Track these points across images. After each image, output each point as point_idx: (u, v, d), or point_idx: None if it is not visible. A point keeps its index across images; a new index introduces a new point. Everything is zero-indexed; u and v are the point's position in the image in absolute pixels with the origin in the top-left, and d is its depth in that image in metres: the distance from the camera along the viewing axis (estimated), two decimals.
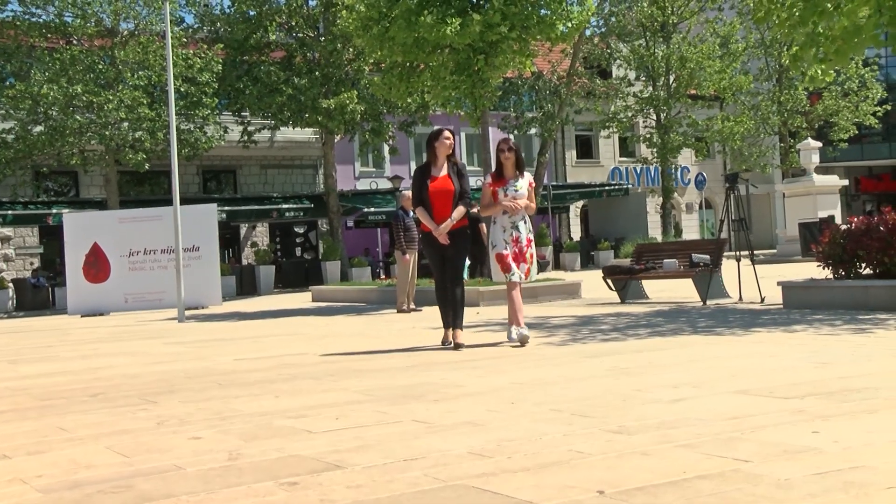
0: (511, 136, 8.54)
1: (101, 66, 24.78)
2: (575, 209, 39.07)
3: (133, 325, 14.47)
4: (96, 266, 18.81)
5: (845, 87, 36.32)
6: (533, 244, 7.50)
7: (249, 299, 22.74)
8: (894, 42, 8.52)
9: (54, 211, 26.27)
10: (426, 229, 7.33)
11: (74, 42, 25.16)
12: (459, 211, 7.21)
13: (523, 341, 7.12)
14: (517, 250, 7.30)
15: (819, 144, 28.96)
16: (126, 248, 18.85)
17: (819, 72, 9.38)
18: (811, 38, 8.61)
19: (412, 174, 7.64)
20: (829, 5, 8.31)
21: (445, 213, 7.19)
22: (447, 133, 7.38)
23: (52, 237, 26.48)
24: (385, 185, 32.70)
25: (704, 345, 6.75)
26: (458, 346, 7.13)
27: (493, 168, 7.67)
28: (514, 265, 7.25)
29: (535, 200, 7.54)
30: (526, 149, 36.06)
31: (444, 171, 7.29)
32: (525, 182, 7.40)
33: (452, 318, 7.24)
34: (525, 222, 7.39)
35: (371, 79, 20.04)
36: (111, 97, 23.94)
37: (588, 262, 32.51)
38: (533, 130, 32.94)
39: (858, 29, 8.12)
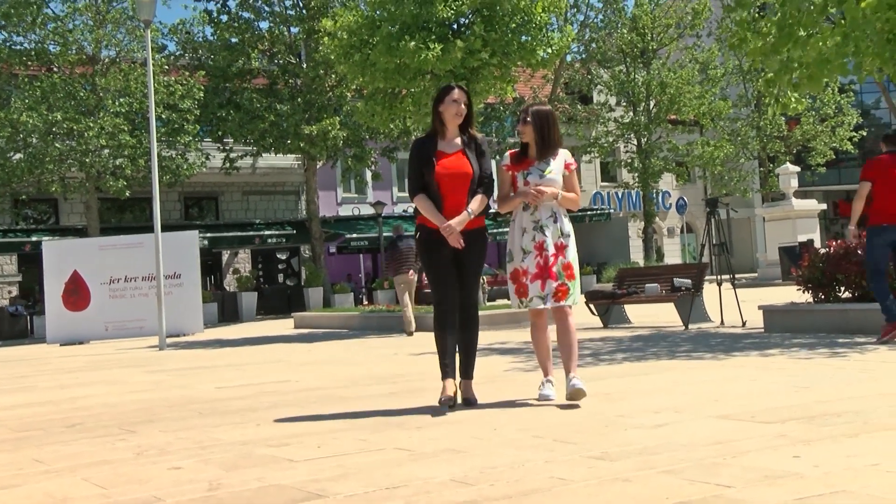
0: (541, 103, 5.47)
1: (81, 94, 24.73)
2: None
3: (113, 353, 14.34)
4: (76, 294, 18.67)
5: (822, 112, 36.82)
6: (571, 252, 5.18)
7: (231, 326, 22.61)
8: (859, 71, 8.67)
9: (33, 239, 26.09)
10: (428, 223, 5.18)
11: (55, 69, 25.12)
12: (480, 201, 5.19)
13: (545, 399, 5.11)
14: (541, 261, 5.10)
15: (797, 169, 29.28)
16: (106, 275, 18.73)
17: (792, 99, 9.51)
18: (785, 65, 8.74)
19: (409, 149, 5.54)
20: (802, 34, 8.45)
21: (460, 204, 5.11)
22: (458, 92, 5.22)
23: (31, 265, 26.27)
24: (368, 211, 32.71)
25: (686, 369, 6.76)
26: (468, 403, 5.16)
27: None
28: (534, 286, 5.11)
29: (577, 189, 5.32)
30: None
31: (456, 147, 5.23)
32: (559, 163, 5.22)
33: (462, 365, 5.24)
34: (556, 221, 5.17)
35: (353, 105, 20.13)
36: (92, 124, 23.88)
37: None
38: None
39: (828, 57, 8.26)
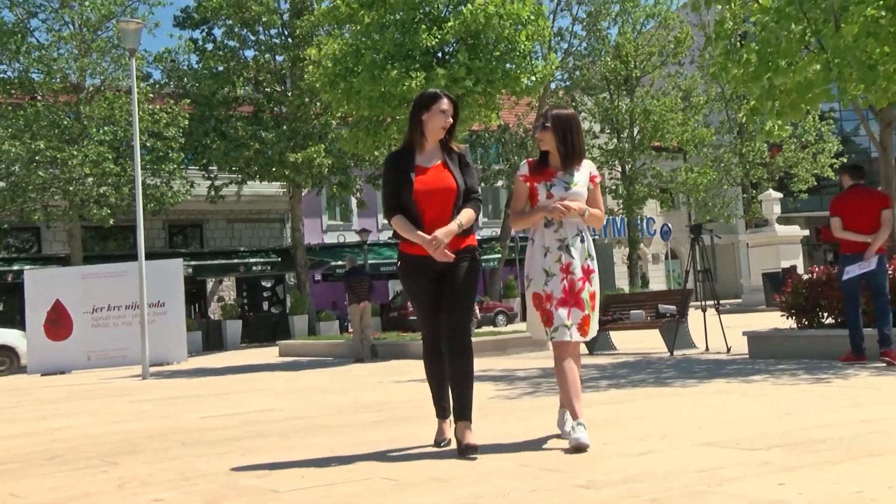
0: (561, 106, 4.79)
1: (65, 122, 24.72)
2: None
3: (95, 383, 14.20)
4: (58, 323, 18.50)
5: (803, 139, 37.23)
6: (597, 280, 4.62)
7: (216, 355, 22.46)
8: (844, 96, 8.81)
9: (15, 268, 25.89)
10: (409, 250, 4.59)
11: (39, 98, 25.09)
12: (468, 215, 4.54)
13: (579, 447, 4.28)
14: (567, 285, 4.46)
15: (780, 195, 29.53)
16: (89, 304, 18.58)
17: (776, 126, 9.63)
18: (766, 92, 8.86)
19: (383, 164, 4.90)
20: (781, 62, 8.57)
21: (442, 224, 4.51)
22: (447, 102, 4.58)
23: (13, 294, 26.06)
24: (353, 238, 32.70)
25: (671, 396, 6.76)
26: (467, 451, 4.32)
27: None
28: (560, 313, 4.43)
29: (601, 205, 4.70)
30: (493, 201, 36.39)
31: (436, 160, 4.60)
32: (583, 175, 4.59)
33: (456, 403, 4.51)
34: (583, 241, 4.57)
35: (338, 133, 20.18)
36: (76, 152, 23.84)
37: None
38: (500, 183, 33.25)
39: (810, 84, 8.38)
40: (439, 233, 4.43)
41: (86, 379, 15.46)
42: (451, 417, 4.58)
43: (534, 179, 4.60)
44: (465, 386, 4.51)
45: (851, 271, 8.27)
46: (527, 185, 4.61)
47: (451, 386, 4.55)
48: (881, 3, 8.45)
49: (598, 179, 4.68)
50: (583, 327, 4.49)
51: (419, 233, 4.47)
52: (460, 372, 4.51)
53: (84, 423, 7.56)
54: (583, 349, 12.57)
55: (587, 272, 4.53)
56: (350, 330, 16.71)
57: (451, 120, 4.58)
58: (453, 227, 4.48)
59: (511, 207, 4.71)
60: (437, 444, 4.70)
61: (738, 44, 10.27)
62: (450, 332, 4.52)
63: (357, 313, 15.12)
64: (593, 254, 4.62)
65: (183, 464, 4.80)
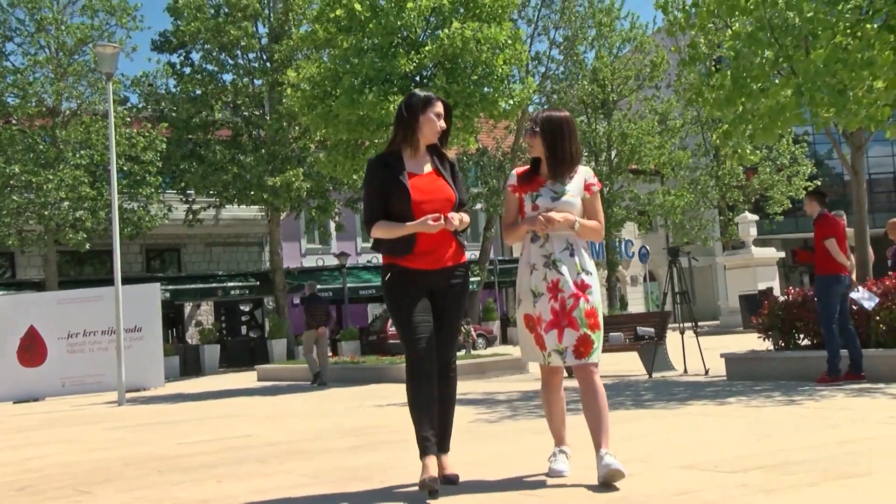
0: (555, 109, 4.33)
1: (41, 146, 24.53)
2: None
3: (70, 410, 14.01)
4: (31, 350, 18.24)
5: (778, 162, 37.65)
6: (595, 295, 4.14)
7: (193, 380, 22.25)
8: (816, 119, 8.95)
9: None
10: (399, 262, 4.13)
11: (14, 122, 24.92)
12: (464, 220, 4.18)
13: (610, 476, 3.93)
14: (556, 305, 4.07)
15: (756, 217, 29.80)
16: (64, 330, 18.36)
17: (748, 150, 9.76)
18: (739, 116, 8.98)
19: (366, 168, 4.31)
20: (755, 86, 8.69)
21: (439, 243, 4.14)
22: (441, 106, 4.23)
23: None
24: (332, 261, 32.62)
25: (650, 418, 6.77)
26: (448, 481, 4.10)
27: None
28: (548, 337, 4.07)
29: (600, 216, 4.27)
30: (472, 224, 36.43)
31: (427, 167, 4.24)
32: (577, 184, 4.21)
33: (438, 430, 4.11)
34: (574, 255, 4.13)
35: (317, 156, 20.18)
36: (51, 177, 23.65)
37: None
38: (478, 206, 33.34)
39: (783, 108, 8.51)
40: (456, 215, 4.09)
41: (60, 406, 15.25)
42: (437, 456, 4.10)
43: (522, 189, 4.25)
44: (449, 412, 4.22)
45: (863, 298, 8.40)
46: (516, 196, 4.27)
47: (439, 410, 4.13)
48: (849, 31, 8.62)
49: (595, 188, 4.25)
50: (578, 348, 4.03)
51: (410, 223, 4.04)
52: (448, 398, 4.21)
53: (57, 452, 7.45)
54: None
55: (581, 287, 4.08)
56: (334, 354, 16.81)
57: (444, 124, 4.23)
58: (458, 218, 4.09)
59: (502, 221, 4.33)
60: (423, 487, 3.89)
61: (714, 68, 10.42)
62: (442, 355, 4.14)
63: (313, 338, 15.68)
64: (589, 268, 4.15)
65: (159, 491, 4.74)
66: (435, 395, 4.07)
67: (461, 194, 4.26)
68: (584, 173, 4.25)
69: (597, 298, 4.13)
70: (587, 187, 4.23)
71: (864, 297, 8.46)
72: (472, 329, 27.87)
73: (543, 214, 4.08)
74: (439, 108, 4.22)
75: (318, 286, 31.15)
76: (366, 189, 4.24)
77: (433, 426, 4.06)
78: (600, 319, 4.12)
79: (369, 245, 4.40)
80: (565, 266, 4.10)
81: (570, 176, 4.21)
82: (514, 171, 4.35)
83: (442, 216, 4.02)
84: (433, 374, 4.07)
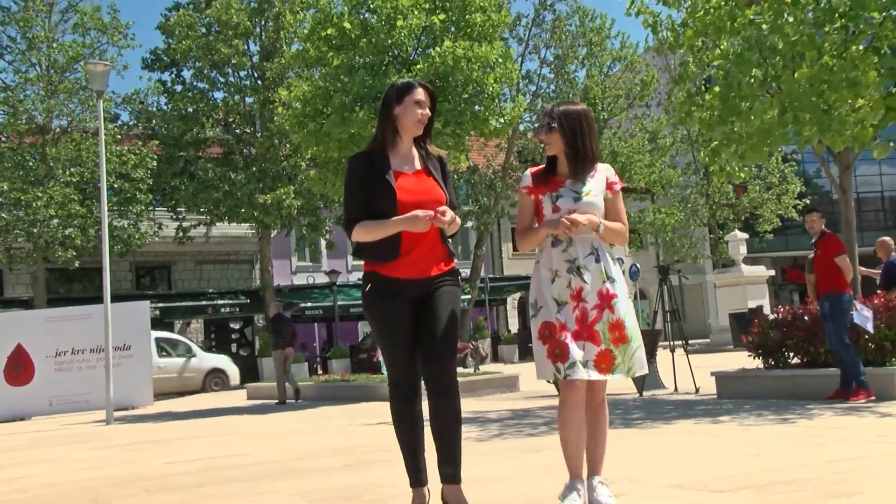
0: (571, 102, 3.96)
1: (31, 163, 24.45)
2: (512, 301, 39.35)
3: (57, 429, 13.91)
4: (18, 368, 18.10)
5: (767, 181, 37.87)
6: (622, 305, 3.78)
7: (182, 398, 22.12)
8: (799, 139, 9.02)
9: None
10: (381, 270, 3.80)
11: (3, 139, 24.85)
12: (455, 222, 3.85)
13: None
14: (579, 314, 3.72)
15: (746, 236, 29.92)
16: (52, 348, 18.23)
17: (736, 169, 9.82)
18: (728, 136, 9.04)
19: (347, 166, 3.94)
20: (744, 105, 8.76)
21: (426, 247, 3.81)
22: (422, 91, 3.87)
23: None
24: (322, 279, 32.56)
25: (640, 437, 6.76)
26: None
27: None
28: (574, 346, 3.67)
29: (624, 218, 3.98)
30: (462, 241, 36.51)
31: (415, 165, 3.88)
32: (598, 183, 3.89)
33: (443, 455, 3.77)
34: (599, 260, 3.79)
35: (307, 174, 20.18)
36: (41, 194, 23.57)
37: (526, 355, 32.57)
38: (469, 224, 33.37)
39: (770, 128, 8.58)
40: (435, 212, 3.68)
41: (46, 425, 15.14)
42: (427, 486, 3.82)
43: (538, 191, 3.87)
44: (453, 431, 3.77)
45: (866, 320, 8.41)
46: (531, 199, 3.90)
47: (438, 433, 3.76)
48: (833, 52, 8.71)
49: (618, 187, 3.92)
50: (599, 364, 3.67)
51: (396, 218, 3.67)
52: (449, 413, 3.74)
53: (43, 472, 7.39)
54: (551, 390, 12.62)
55: (606, 297, 3.72)
56: (324, 373, 16.92)
57: (428, 112, 3.86)
58: (450, 213, 3.75)
59: (516, 226, 3.97)
60: None
61: (703, 87, 10.50)
62: (435, 368, 3.72)
63: (281, 358, 15.92)
64: (614, 275, 3.78)
65: None
66: (433, 413, 3.74)
67: (452, 196, 3.91)
68: (605, 171, 3.93)
69: (625, 307, 3.76)
70: (609, 186, 3.90)
71: (865, 319, 8.44)
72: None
73: (566, 216, 3.73)
74: (419, 94, 3.83)
75: (308, 304, 31.22)
76: (346, 187, 3.85)
77: (421, 452, 3.78)
78: (628, 331, 3.74)
79: (354, 255, 4.04)
80: (589, 273, 3.73)
81: (590, 174, 3.87)
82: (528, 172, 3.98)
83: (432, 212, 3.66)
84: (419, 403, 3.79)
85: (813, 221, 8.81)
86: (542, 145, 4.00)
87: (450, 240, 3.94)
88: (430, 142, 3.97)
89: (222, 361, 24.81)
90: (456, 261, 4.02)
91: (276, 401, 15.87)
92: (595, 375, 3.67)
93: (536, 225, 3.88)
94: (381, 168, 3.76)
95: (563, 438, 3.75)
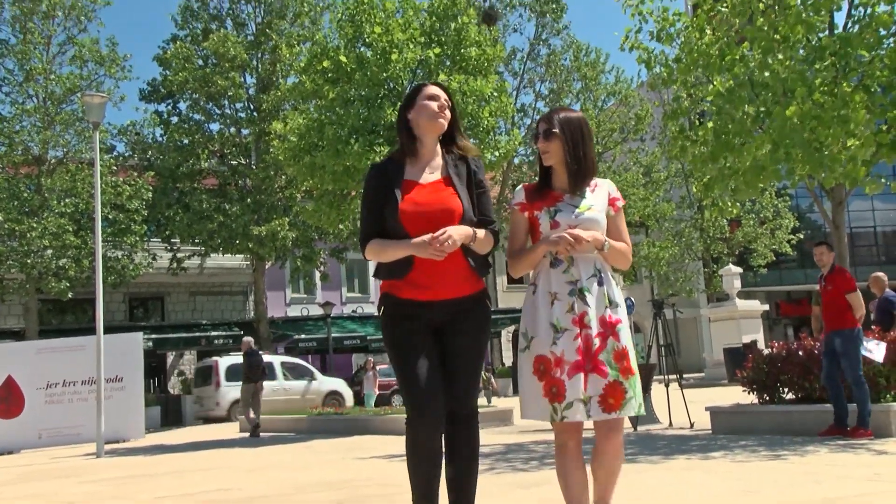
0: (568, 108, 3.63)
1: (25, 194, 24.45)
2: (506, 334, 39.28)
3: (46, 462, 13.76)
4: (8, 401, 17.94)
5: (761, 215, 38.04)
6: (625, 333, 3.41)
7: (174, 431, 21.94)
8: (791, 176, 9.08)
9: None
10: (398, 292, 3.47)
11: None
12: (486, 235, 3.51)
13: None
14: (582, 344, 3.30)
15: (740, 270, 29.97)
16: (43, 380, 18.10)
17: (728, 203, 9.88)
18: (721, 172, 9.10)
19: (364, 179, 3.66)
20: (736, 141, 8.83)
21: (444, 268, 3.38)
22: (434, 88, 3.58)
23: None
24: (316, 311, 32.49)
25: (633, 472, 6.71)
26: None
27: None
28: (572, 383, 3.26)
29: (626, 237, 3.57)
30: None
31: (435, 174, 3.52)
32: (600, 198, 3.53)
33: (456, 493, 3.46)
34: (602, 283, 3.41)
35: (303, 206, 20.22)
36: (35, 224, 23.55)
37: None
38: None
39: (762, 164, 8.64)
40: (450, 229, 3.27)
41: (35, 458, 14.98)
42: None
43: (534, 206, 3.48)
44: (471, 471, 3.44)
45: (876, 351, 8.38)
46: (524, 216, 3.50)
47: (455, 470, 3.43)
48: (824, 88, 8.80)
49: (620, 203, 3.55)
50: (606, 399, 3.26)
51: (411, 241, 3.30)
52: (468, 450, 3.44)
53: None
54: (546, 424, 12.51)
55: (609, 325, 3.33)
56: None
57: (444, 103, 3.51)
58: (468, 230, 3.35)
59: (507, 248, 3.54)
60: None
61: (697, 121, 10.59)
62: (458, 402, 3.39)
63: (251, 392, 16.29)
64: (618, 300, 3.41)
65: None
66: (449, 448, 3.41)
67: (484, 207, 3.50)
68: (606, 186, 3.57)
69: (627, 336, 3.39)
70: (612, 202, 3.53)
71: (876, 351, 8.40)
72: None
73: (569, 232, 3.32)
74: (431, 89, 3.53)
75: (302, 336, 31.12)
76: (361, 204, 3.59)
77: (433, 497, 3.36)
78: (634, 363, 3.38)
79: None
80: (592, 296, 3.34)
81: (590, 188, 3.52)
82: (521, 187, 3.58)
83: (446, 231, 3.25)
84: (438, 439, 3.34)
85: (822, 254, 8.65)
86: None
87: (480, 257, 3.49)
88: (461, 139, 3.63)
89: (339, 385, 26.11)
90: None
91: (250, 434, 16.04)
92: (598, 414, 3.27)
93: (530, 245, 3.50)
94: (392, 179, 3.44)
95: (563, 485, 3.42)
